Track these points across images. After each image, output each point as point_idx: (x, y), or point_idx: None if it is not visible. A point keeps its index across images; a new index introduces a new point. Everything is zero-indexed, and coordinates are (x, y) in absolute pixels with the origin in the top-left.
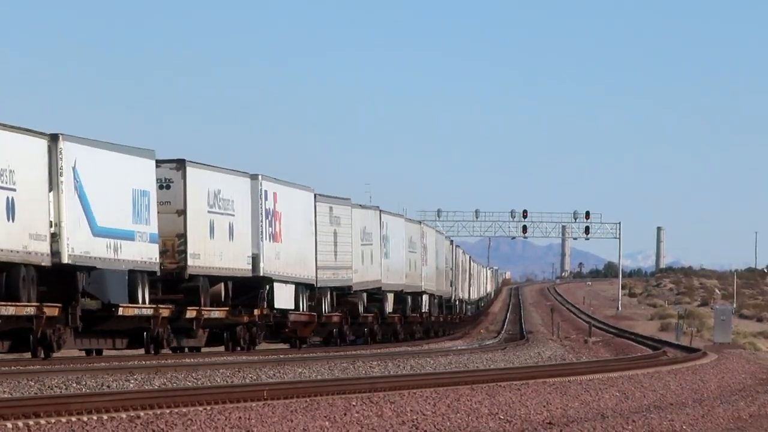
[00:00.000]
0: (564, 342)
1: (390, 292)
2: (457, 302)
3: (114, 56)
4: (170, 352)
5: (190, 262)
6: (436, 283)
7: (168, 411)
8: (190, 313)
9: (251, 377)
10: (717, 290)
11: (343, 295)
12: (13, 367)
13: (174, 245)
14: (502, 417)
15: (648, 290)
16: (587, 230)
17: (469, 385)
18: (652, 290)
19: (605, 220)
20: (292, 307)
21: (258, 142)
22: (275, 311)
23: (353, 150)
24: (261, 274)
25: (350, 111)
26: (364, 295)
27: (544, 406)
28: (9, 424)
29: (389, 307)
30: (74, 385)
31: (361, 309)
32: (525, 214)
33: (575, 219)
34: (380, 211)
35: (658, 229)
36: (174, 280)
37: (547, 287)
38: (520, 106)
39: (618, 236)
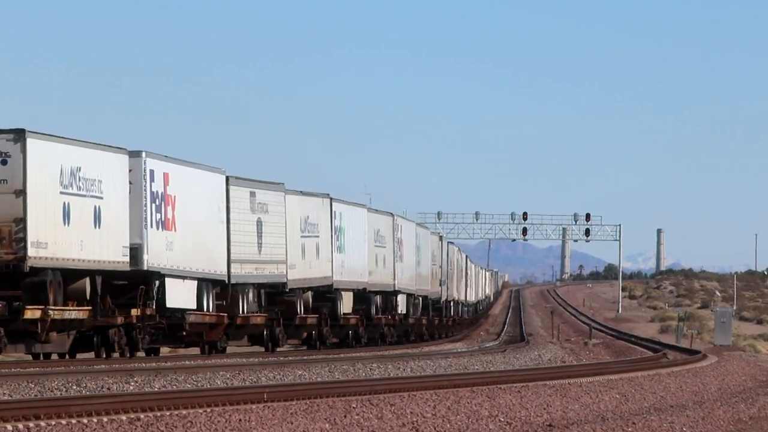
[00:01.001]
0: (564, 344)
1: (346, 290)
2: (451, 303)
3: (114, 57)
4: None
5: (31, 252)
6: (417, 281)
7: (168, 413)
8: (32, 314)
9: (251, 379)
10: (717, 292)
11: (277, 293)
12: (13, 369)
13: (11, 232)
14: (502, 419)
15: (648, 292)
16: (587, 232)
17: (469, 388)
18: (653, 292)
19: (605, 222)
20: (193, 307)
21: (258, 143)
22: (168, 311)
23: (353, 152)
24: (145, 268)
25: (350, 113)
26: (308, 294)
27: (545, 409)
28: (9, 426)
29: (344, 307)
30: (74, 387)
31: (300, 309)
32: (525, 216)
33: (575, 221)
34: (331, 199)
35: (659, 231)
36: (11, 274)
37: (547, 289)
38: (521, 109)
39: (618, 238)
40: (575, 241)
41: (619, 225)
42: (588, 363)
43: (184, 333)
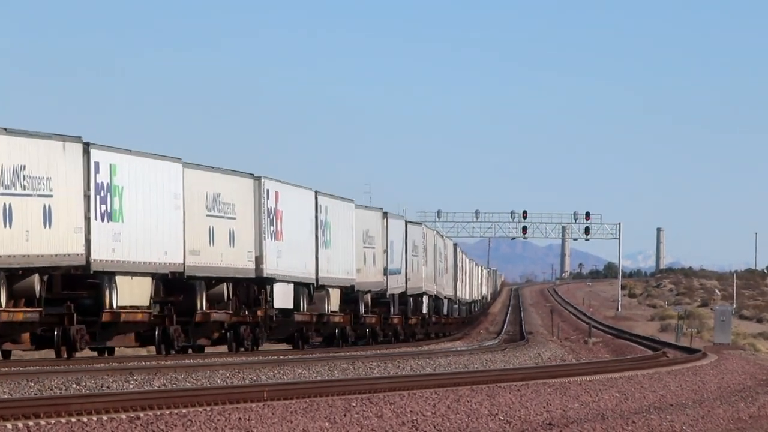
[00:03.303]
0: (564, 343)
1: (334, 287)
2: (445, 301)
3: (115, 54)
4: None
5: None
6: (391, 279)
7: (168, 412)
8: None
9: (251, 378)
10: (717, 291)
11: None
12: (13, 368)
13: None
14: (502, 418)
15: (648, 291)
16: (587, 231)
17: (469, 386)
18: (652, 291)
19: (605, 220)
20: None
21: (257, 142)
22: None
23: (353, 150)
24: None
25: (350, 111)
26: (227, 285)
27: (544, 407)
28: (9, 425)
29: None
30: (74, 385)
31: (200, 304)
32: (525, 214)
33: (575, 219)
34: (264, 178)
35: (658, 229)
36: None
37: (547, 288)
38: (521, 107)
39: (618, 237)
40: (575, 239)
41: (619, 223)
42: (588, 362)
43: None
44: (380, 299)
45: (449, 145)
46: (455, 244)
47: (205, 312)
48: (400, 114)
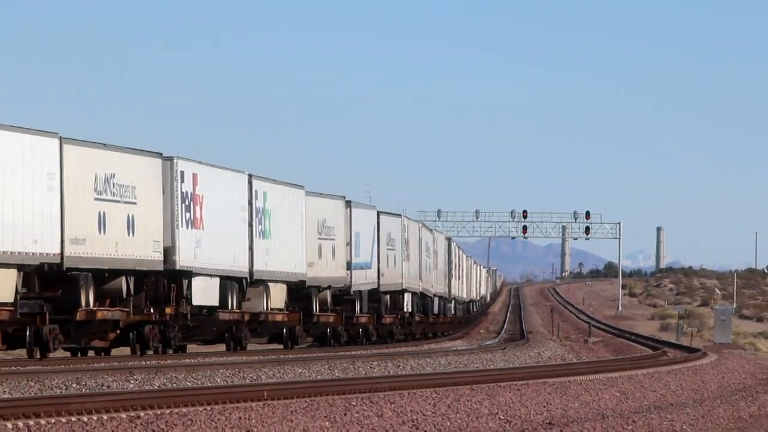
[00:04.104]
0: (564, 342)
1: (278, 282)
2: (436, 299)
3: (114, 53)
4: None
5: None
6: (357, 274)
7: (168, 411)
8: None
9: (251, 377)
10: (717, 290)
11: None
12: (13, 368)
13: None
14: (502, 417)
15: (648, 290)
16: (587, 230)
17: (469, 386)
18: (652, 290)
19: (605, 220)
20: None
21: (258, 142)
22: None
23: (353, 150)
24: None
25: (350, 111)
26: (126, 279)
27: (544, 407)
28: (9, 425)
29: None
30: (74, 385)
31: (84, 301)
32: (525, 214)
33: (575, 219)
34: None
35: (658, 229)
36: None
37: (547, 288)
38: (521, 107)
39: (618, 236)
40: (575, 239)
41: (619, 223)
42: (588, 361)
43: None
44: (344, 296)
45: (449, 145)
46: (449, 239)
47: (90, 310)
48: (400, 114)
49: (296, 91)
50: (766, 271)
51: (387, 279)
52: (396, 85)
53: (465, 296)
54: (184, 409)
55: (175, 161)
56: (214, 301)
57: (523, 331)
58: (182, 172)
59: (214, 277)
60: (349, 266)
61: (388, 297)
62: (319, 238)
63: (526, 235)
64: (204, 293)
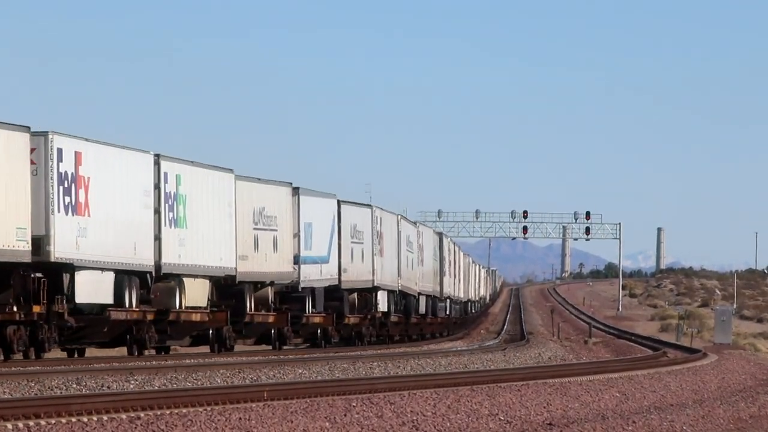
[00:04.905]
0: (564, 343)
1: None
2: (422, 299)
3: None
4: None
5: None
6: (308, 269)
7: (168, 412)
8: None
9: (251, 378)
10: (717, 291)
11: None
12: (13, 368)
13: None
14: (502, 418)
15: (648, 291)
16: (588, 231)
17: (469, 386)
18: (653, 291)
19: (606, 220)
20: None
21: (257, 142)
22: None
23: (353, 150)
24: None
25: (350, 111)
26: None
27: (545, 407)
28: (9, 425)
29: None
30: (74, 385)
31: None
32: (525, 214)
33: (576, 219)
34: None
35: (659, 229)
36: None
37: (548, 288)
38: (521, 106)
39: (618, 237)
40: (575, 239)
41: (620, 223)
42: (588, 361)
43: None
44: (293, 293)
45: (449, 145)
46: (440, 234)
47: None
48: (401, 114)
49: (296, 91)
50: (766, 271)
51: (351, 275)
52: (396, 84)
53: (462, 296)
54: (184, 410)
55: (50, 136)
56: (107, 299)
57: (524, 331)
58: (60, 150)
59: (106, 271)
60: (297, 260)
61: (354, 295)
62: (255, 229)
63: (526, 235)
64: (92, 289)
